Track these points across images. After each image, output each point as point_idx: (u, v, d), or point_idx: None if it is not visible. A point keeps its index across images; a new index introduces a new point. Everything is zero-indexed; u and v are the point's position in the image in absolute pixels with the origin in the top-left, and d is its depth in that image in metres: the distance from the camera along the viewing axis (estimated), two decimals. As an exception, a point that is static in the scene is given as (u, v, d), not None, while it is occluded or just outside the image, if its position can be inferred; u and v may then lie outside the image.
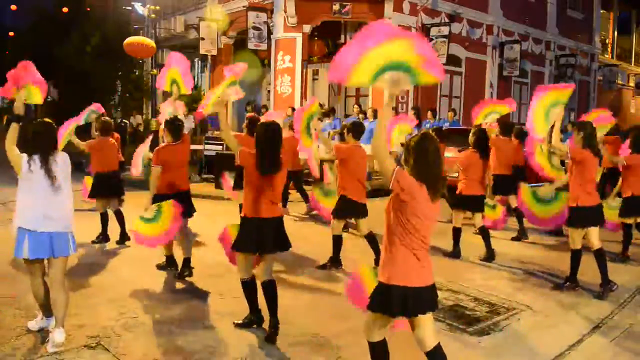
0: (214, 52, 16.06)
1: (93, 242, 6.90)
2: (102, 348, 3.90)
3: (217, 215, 8.21)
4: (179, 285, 5.38)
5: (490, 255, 6.51)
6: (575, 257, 5.49)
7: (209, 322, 4.50)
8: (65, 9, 21.09)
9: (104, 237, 6.98)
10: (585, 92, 21.55)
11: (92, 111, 7.06)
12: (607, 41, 24.72)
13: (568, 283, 5.56)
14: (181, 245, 5.64)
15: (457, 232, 6.74)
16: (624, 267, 6.45)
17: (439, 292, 5.31)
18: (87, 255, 6.42)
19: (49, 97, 26.66)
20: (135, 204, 7.50)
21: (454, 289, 5.46)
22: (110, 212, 7.03)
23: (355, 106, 12.95)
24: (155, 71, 18.45)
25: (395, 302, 2.95)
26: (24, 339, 4.01)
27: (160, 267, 5.86)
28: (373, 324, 3.11)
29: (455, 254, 6.71)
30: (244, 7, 14.70)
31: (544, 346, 4.18)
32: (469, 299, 5.17)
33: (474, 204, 6.56)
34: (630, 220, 6.63)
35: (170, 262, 5.81)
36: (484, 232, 6.59)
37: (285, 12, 13.18)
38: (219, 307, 4.81)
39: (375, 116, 11.82)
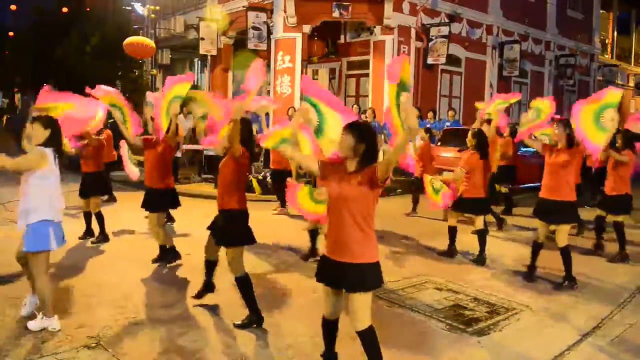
0: (214, 52, 16.06)
1: (93, 242, 6.95)
2: (102, 348, 3.90)
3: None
4: (178, 285, 5.38)
5: (481, 259, 6.44)
6: (563, 254, 5.61)
7: (209, 322, 4.50)
8: (65, 9, 21.08)
9: (103, 236, 7.02)
10: (585, 92, 21.54)
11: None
12: (606, 41, 24.70)
13: (566, 282, 5.57)
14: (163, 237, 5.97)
15: (452, 231, 6.75)
16: (623, 267, 6.45)
17: (439, 292, 5.36)
18: (86, 255, 6.42)
19: (49, 97, 26.65)
20: (128, 203, 7.50)
21: (454, 289, 5.47)
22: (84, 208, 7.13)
23: (355, 106, 12.96)
24: (155, 71, 18.43)
25: (381, 274, 3.26)
26: (23, 339, 4.01)
27: (154, 260, 6.05)
28: (368, 307, 3.21)
29: (449, 253, 6.73)
30: (243, 7, 14.69)
31: (544, 346, 4.18)
32: (469, 299, 5.17)
33: (476, 206, 6.54)
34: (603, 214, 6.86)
35: (165, 252, 6.04)
36: (481, 236, 6.54)
37: (285, 12, 13.17)
38: (218, 307, 4.81)
39: (374, 116, 11.84)
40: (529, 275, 5.82)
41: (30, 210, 4.00)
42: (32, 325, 4.18)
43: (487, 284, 5.67)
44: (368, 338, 3.19)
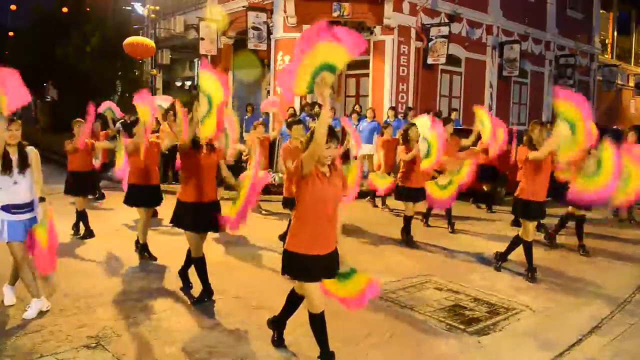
0: (214, 52, 16.05)
1: (80, 237, 7.15)
2: (102, 348, 3.91)
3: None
4: (178, 285, 5.37)
5: (409, 241, 7.17)
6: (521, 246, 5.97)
7: (209, 322, 4.50)
8: (65, 9, 21.03)
9: (87, 232, 7.19)
10: (585, 93, 21.54)
11: (109, 108, 7.81)
12: (606, 41, 24.68)
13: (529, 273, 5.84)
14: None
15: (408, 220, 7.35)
16: (623, 267, 6.46)
17: (439, 292, 5.36)
18: (85, 257, 6.43)
19: (49, 96, 26.61)
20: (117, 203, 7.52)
21: (454, 289, 5.47)
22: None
23: (357, 106, 12.97)
24: (155, 71, 18.42)
25: None
26: (24, 339, 4.02)
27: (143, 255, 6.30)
28: None
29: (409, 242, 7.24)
30: (243, 7, 14.69)
31: (544, 346, 4.18)
32: (469, 299, 5.17)
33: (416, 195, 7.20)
34: None
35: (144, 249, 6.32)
36: (407, 221, 7.26)
37: (284, 12, 13.17)
38: (218, 307, 4.82)
39: (374, 116, 11.83)
40: (532, 275, 5.82)
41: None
42: (29, 314, 4.37)
43: (487, 284, 5.67)
44: (323, 320, 3.61)
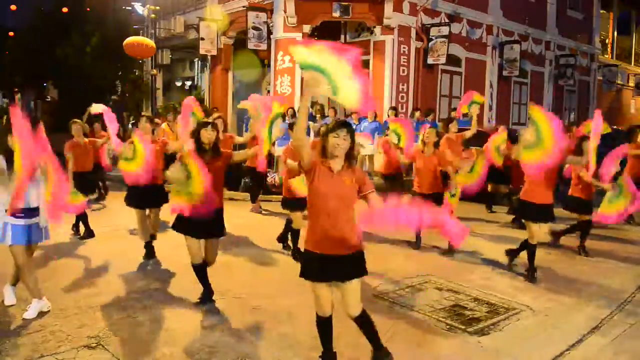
0: (214, 52, 16.05)
1: (80, 238, 7.17)
2: (102, 348, 3.91)
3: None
4: (178, 285, 5.38)
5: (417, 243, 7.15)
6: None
7: (209, 322, 4.50)
8: (65, 9, 21.02)
9: (87, 232, 7.21)
10: (585, 92, 21.54)
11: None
12: (607, 41, 24.69)
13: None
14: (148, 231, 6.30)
15: None
16: (624, 267, 6.46)
17: (439, 292, 5.36)
18: (85, 257, 6.43)
19: (49, 96, 26.62)
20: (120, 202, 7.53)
21: (454, 289, 5.47)
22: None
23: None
24: (155, 71, 18.41)
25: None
26: (24, 339, 4.02)
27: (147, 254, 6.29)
28: (359, 291, 3.55)
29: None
30: (243, 7, 14.69)
31: (544, 346, 4.18)
32: (469, 299, 5.17)
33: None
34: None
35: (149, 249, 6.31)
36: None
37: (285, 12, 13.17)
38: (218, 307, 4.82)
39: (375, 116, 11.84)
40: (532, 275, 5.81)
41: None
42: (29, 314, 4.38)
43: (487, 284, 5.67)
44: (366, 319, 3.52)
